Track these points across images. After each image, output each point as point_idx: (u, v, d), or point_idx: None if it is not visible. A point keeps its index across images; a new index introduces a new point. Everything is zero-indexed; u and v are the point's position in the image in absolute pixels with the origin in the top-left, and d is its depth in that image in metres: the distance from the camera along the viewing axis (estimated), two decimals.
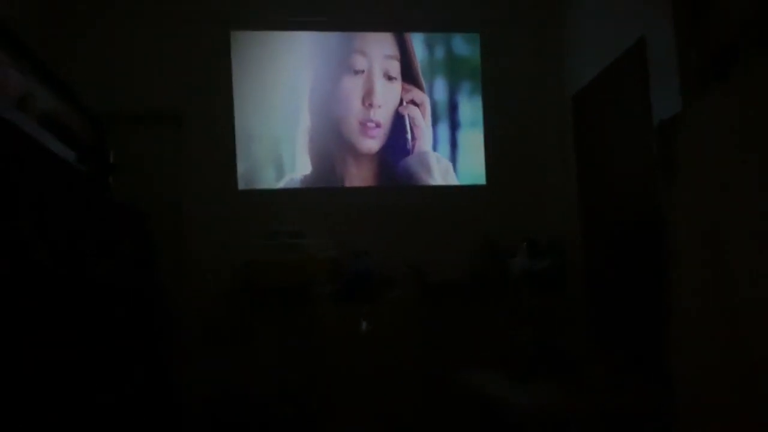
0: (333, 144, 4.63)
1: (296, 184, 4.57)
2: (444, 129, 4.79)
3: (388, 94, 4.68)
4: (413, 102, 4.71)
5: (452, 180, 4.73)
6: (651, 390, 2.32)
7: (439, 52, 4.85)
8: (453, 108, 4.83)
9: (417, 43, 4.79)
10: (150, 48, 4.49)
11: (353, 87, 4.65)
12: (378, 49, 4.71)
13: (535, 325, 2.85)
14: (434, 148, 4.76)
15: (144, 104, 4.41)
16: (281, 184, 4.56)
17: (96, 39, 4.41)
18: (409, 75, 4.73)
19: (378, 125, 4.64)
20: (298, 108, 4.62)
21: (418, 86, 4.73)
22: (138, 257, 2.36)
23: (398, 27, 4.75)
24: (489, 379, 2.85)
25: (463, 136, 4.81)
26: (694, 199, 1.99)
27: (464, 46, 4.88)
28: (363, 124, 4.63)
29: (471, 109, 4.84)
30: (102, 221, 2.25)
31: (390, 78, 4.69)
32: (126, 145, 4.32)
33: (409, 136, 4.70)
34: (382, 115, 4.66)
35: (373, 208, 4.52)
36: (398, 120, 4.69)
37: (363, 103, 4.64)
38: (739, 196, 1.72)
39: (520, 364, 2.80)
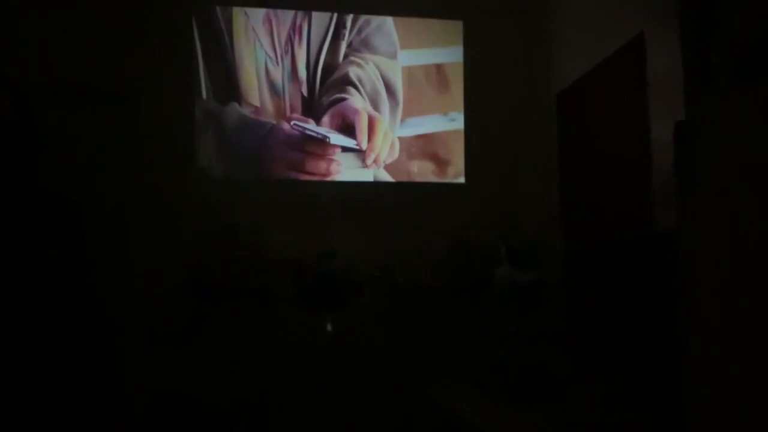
0: None
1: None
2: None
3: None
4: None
5: None
6: (652, 424, 2.07)
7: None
8: None
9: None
10: (100, 14, 4.03)
11: None
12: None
13: (519, 343, 2.60)
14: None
15: (90, 79, 3.96)
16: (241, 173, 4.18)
17: (37, 3, 3.92)
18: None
19: None
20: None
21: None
22: (67, 256, 1.99)
23: (380, 11, 4.41)
24: (465, 400, 2.56)
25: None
26: (719, 219, 1.73)
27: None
28: None
29: None
30: (21, 212, 1.87)
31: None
32: (68, 125, 3.90)
33: None
34: None
35: (340, 205, 4.18)
36: None
37: None
38: None
39: (500, 385, 2.51)
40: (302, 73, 4.28)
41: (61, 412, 1.78)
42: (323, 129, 4.21)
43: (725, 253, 1.65)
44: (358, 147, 4.24)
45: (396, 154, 4.36)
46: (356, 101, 4.32)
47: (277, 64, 4.26)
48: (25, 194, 1.92)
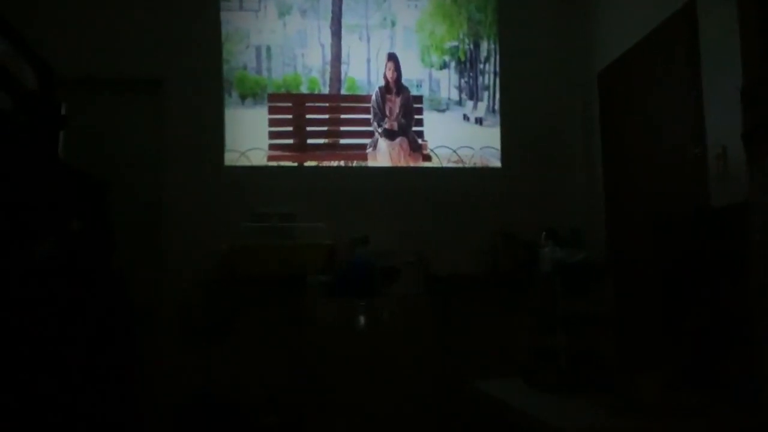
0: None
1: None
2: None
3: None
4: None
5: None
6: (718, 412, 1.90)
7: None
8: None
9: None
10: (125, 2, 3.97)
11: None
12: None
13: (568, 328, 2.44)
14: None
15: (119, 68, 3.91)
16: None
17: None
18: None
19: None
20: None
21: None
22: (91, 234, 1.90)
23: None
24: (512, 390, 2.41)
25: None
26: None
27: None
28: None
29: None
30: (44, 187, 1.79)
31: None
32: (98, 113, 3.88)
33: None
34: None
35: (374, 190, 4.05)
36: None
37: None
38: None
39: (549, 373, 2.35)
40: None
41: (85, 395, 1.69)
42: None
43: None
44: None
45: None
46: None
47: None
48: (48, 168, 1.83)
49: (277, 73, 4.18)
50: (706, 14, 2.96)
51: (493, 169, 4.27)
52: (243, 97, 4.12)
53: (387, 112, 4.26)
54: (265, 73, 4.16)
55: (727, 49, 2.69)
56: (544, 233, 3.53)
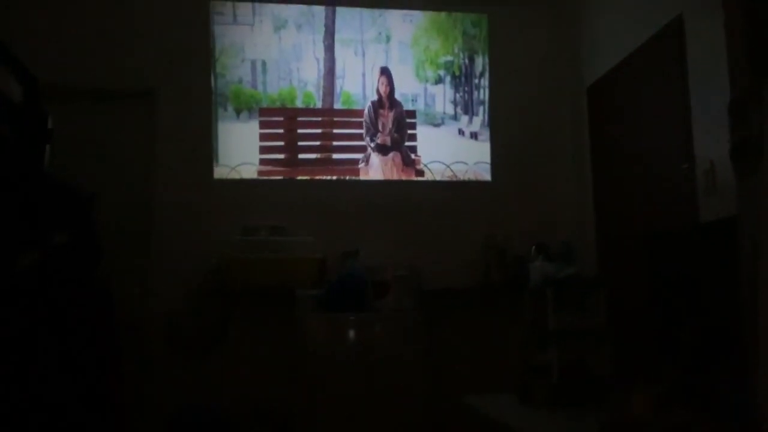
0: None
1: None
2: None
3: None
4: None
5: None
6: (710, 428, 1.88)
7: None
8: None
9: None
10: (115, 13, 3.98)
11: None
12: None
13: (559, 342, 2.42)
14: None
15: (109, 80, 3.91)
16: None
17: (54, 3, 3.89)
18: None
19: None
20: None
21: None
22: (76, 247, 1.88)
23: (402, 4, 4.31)
24: (502, 405, 2.39)
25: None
26: None
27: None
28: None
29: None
30: (28, 200, 1.77)
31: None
32: (88, 124, 3.85)
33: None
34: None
35: (364, 204, 4.04)
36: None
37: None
38: None
39: (541, 388, 2.34)
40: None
41: (70, 411, 1.66)
42: None
43: None
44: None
45: None
46: None
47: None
48: (33, 181, 1.82)
49: (273, 87, 4.17)
50: (693, 29, 2.99)
51: (484, 183, 4.26)
52: (238, 111, 4.11)
53: (380, 127, 4.25)
54: (260, 87, 4.16)
55: (715, 64, 2.70)
56: (534, 247, 3.53)
